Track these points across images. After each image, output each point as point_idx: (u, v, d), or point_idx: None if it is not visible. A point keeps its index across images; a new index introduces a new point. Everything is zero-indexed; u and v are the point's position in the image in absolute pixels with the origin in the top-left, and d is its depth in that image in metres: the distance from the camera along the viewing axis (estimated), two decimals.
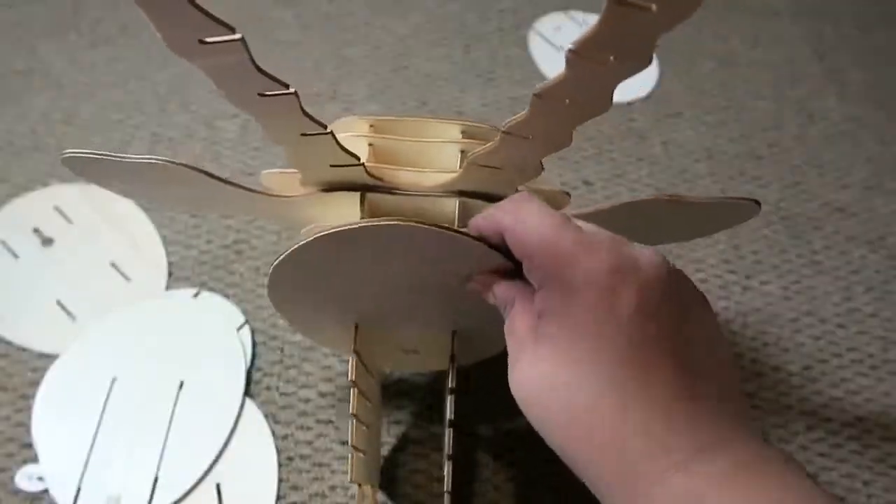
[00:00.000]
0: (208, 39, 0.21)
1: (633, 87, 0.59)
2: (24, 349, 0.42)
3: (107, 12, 0.60)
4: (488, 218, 0.26)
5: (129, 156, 0.30)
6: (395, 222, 0.26)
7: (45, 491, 0.37)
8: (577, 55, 0.20)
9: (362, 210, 0.31)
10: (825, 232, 0.52)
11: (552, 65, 0.59)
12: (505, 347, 0.26)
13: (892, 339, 0.47)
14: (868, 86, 0.61)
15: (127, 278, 0.45)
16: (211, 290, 0.45)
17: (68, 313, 0.44)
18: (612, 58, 0.20)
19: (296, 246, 0.28)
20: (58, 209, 0.48)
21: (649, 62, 0.20)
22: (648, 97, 0.58)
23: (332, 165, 0.29)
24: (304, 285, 0.31)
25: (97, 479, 0.38)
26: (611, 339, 0.22)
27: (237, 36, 0.20)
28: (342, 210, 0.32)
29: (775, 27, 0.65)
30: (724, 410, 0.23)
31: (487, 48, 0.61)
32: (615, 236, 0.25)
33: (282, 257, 0.29)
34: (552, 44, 0.61)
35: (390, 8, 0.63)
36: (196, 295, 0.45)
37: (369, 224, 0.27)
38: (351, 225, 0.27)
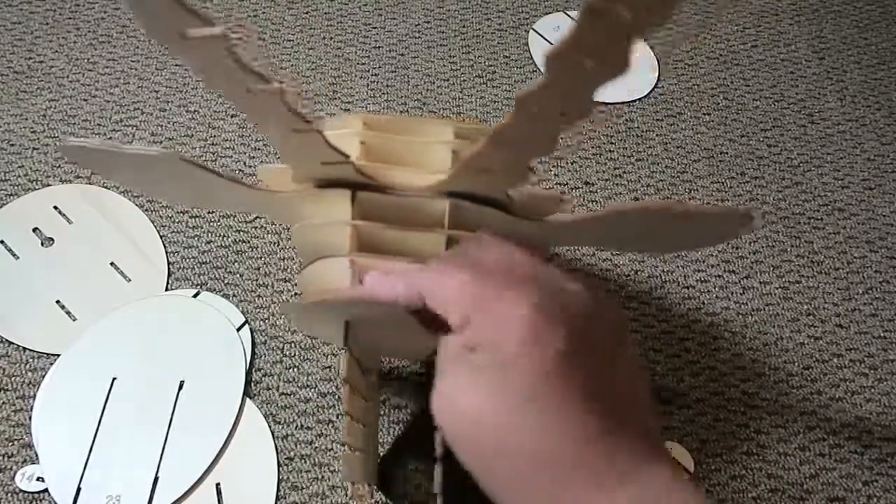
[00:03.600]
0: (190, 34, 0.20)
1: (633, 87, 0.59)
2: (24, 349, 0.42)
3: (107, 12, 0.60)
4: (398, 283, 0.28)
5: (128, 146, 0.30)
6: (324, 300, 0.30)
7: (45, 491, 0.37)
8: (555, 61, 0.20)
9: (353, 209, 0.31)
10: (825, 232, 0.52)
11: None
12: None
13: (892, 339, 0.47)
14: (868, 86, 0.61)
15: (127, 278, 0.45)
16: (211, 290, 0.45)
17: (68, 313, 0.44)
18: (589, 63, 0.20)
19: (284, 306, 0.33)
20: (58, 209, 0.48)
21: (627, 67, 0.20)
22: (648, 97, 0.58)
23: (323, 163, 0.29)
24: (307, 322, 0.34)
25: (97, 479, 0.38)
26: (531, 372, 0.23)
27: (218, 31, 0.20)
28: (334, 207, 0.32)
29: (775, 27, 0.65)
30: (635, 440, 0.24)
31: (487, 48, 0.61)
32: (540, 273, 0.26)
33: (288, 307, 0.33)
34: (552, 44, 0.61)
35: (390, 8, 0.63)
36: (196, 295, 0.45)
37: (318, 302, 0.30)
38: (312, 301, 0.31)
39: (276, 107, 0.24)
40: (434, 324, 0.27)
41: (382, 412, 0.41)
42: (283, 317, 0.44)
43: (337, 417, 0.41)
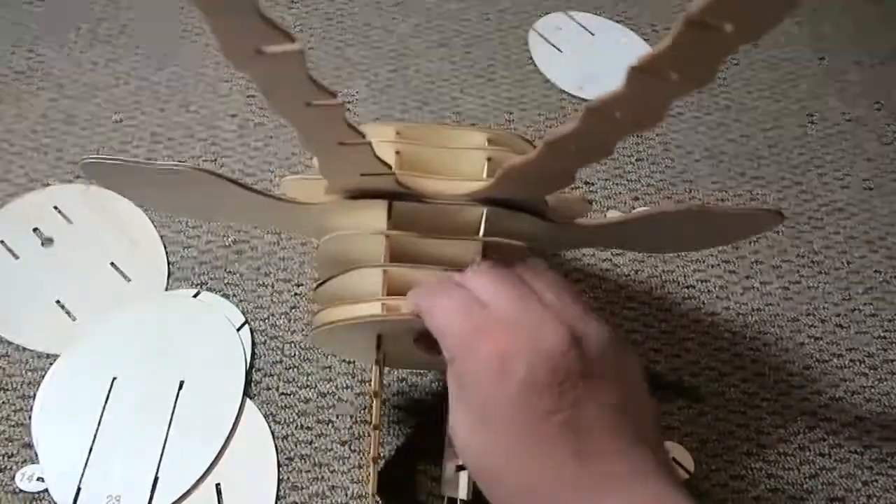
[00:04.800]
0: (268, 50, 0.20)
1: None
2: (24, 349, 0.42)
3: (107, 12, 0.60)
4: (412, 301, 0.30)
5: (152, 162, 0.29)
6: (368, 319, 0.30)
7: (45, 491, 0.37)
8: (640, 72, 0.20)
9: (389, 219, 0.31)
10: (825, 232, 0.52)
11: (552, 65, 0.59)
12: None
13: (892, 339, 0.47)
14: (868, 86, 0.61)
15: (127, 278, 0.45)
16: (211, 290, 0.45)
17: (68, 313, 0.44)
18: (675, 75, 0.20)
19: (312, 333, 0.33)
20: (58, 209, 0.48)
21: (712, 80, 0.20)
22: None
23: (362, 174, 0.29)
24: (331, 340, 0.35)
25: (97, 479, 0.38)
26: (507, 413, 0.25)
27: (297, 47, 0.20)
28: (368, 218, 0.31)
29: (775, 27, 0.65)
30: (619, 463, 0.25)
31: (487, 48, 0.61)
32: (522, 314, 0.27)
33: (312, 333, 0.34)
34: (552, 44, 0.61)
35: (390, 8, 0.63)
36: (196, 295, 0.45)
37: (345, 322, 0.31)
38: (332, 324, 0.31)
39: (335, 121, 0.24)
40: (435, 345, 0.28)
41: (384, 414, 0.41)
42: (284, 319, 0.44)
43: (337, 417, 0.41)
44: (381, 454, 0.40)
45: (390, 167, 0.29)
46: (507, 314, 0.27)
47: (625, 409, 0.26)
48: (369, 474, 0.34)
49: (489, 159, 0.32)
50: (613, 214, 0.49)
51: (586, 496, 0.24)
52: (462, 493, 0.32)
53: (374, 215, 0.31)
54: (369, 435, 0.35)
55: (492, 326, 0.26)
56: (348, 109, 0.55)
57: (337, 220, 0.32)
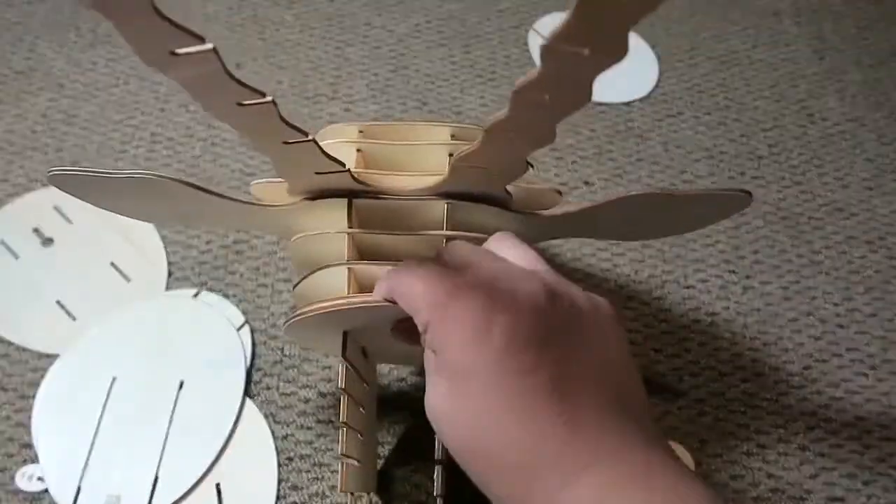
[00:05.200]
0: (179, 51, 0.20)
1: (633, 87, 0.59)
2: (24, 349, 0.42)
3: None
4: (379, 285, 0.28)
5: (115, 171, 0.29)
6: (332, 307, 0.29)
7: (45, 491, 0.37)
8: (552, 49, 0.20)
9: (349, 217, 0.31)
10: (825, 232, 0.52)
11: None
12: None
13: (892, 339, 0.47)
14: (868, 86, 0.61)
15: (127, 278, 0.45)
16: (211, 290, 0.45)
17: (68, 313, 0.44)
18: (586, 50, 0.20)
19: (285, 323, 0.32)
20: (58, 209, 0.48)
21: (625, 53, 0.20)
22: (648, 97, 0.58)
23: (317, 173, 0.29)
24: (303, 333, 0.34)
25: (97, 479, 0.38)
26: (487, 373, 0.24)
27: (208, 46, 0.20)
28: (330, 217, 0.31)
29: (775, 27, 0.65)
30: (606, 428, 0.24)
31: (487, 48, 0.61)
32: (497, 273, 0.26)
33: (286, 324, 0.32)
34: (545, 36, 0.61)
35: (390, 8, 0.63)
36: (196, 295, 0.45)
37: (315, 312, 0.30)
38: (305, 313, 0.30)
39: (270, 119, 0.24)
40: (413, 329, 0.27)
41: (381, 413, 0.41)
42: (284, 319, 0.44)
43: (337, 417, 0.41)
44: (381, 454, 0.40)
45: (343, 164, 0.28)
46: (480, 276, 0.26)
47: (610, 372, 0.25)
48: (344, 472, 0.34)
49: (451, 154, 0.32)
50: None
51: (580, 462, 0.23)
52: (437, 488, 0.31)
53: (336, 214, 0.31)
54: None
55: (465, 288, 0.25)
56: (347, 109, 0.55)
57: (302, 221, 0.32)
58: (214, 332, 0.43)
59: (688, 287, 0.48)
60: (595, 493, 0.22)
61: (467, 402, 0.24)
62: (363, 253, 0.32)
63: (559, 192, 0.35)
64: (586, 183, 0.53)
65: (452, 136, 0.33)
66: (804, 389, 0.45)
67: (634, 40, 0.62)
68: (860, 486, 0.41)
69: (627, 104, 0.57)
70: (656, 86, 0.59)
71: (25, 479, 0.38)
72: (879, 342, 0.47)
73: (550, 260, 0.48)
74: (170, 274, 0.46)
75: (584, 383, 0.24)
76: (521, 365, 0.24)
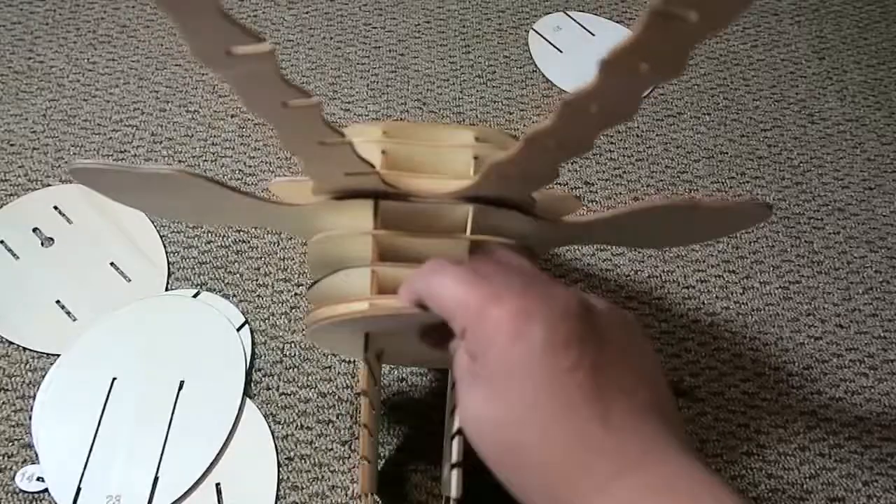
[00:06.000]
0: (237, 51, 0.20)
1: None
2: (24, 349, 0.42)
3: (107, 12, 0.60)
4: (407, 289, 0.29)
5: (140, 166, 0.29)
6: (364, 313, 0.30)
7: (45, 491, 0.37)
8: (611, 65, 0.20)
9: (375, 218, 0.31)
10: (825, 232, 0.52)
11: (552, 65, 0.59)
12: None
13: (892, 339, 0.47)
14: (868, 86, 0.61)
15: (127, 278, 0.45)
16: (211, 290, 0.45)
17: (68, 313, 0.44)
18: (645, 66, 0.20)
19: (307, 330, 0.33)
20: (58, 209, 0.48)
21: (683, 70, 0.20)
22: (648, 97, 0.58)
23: (346, 174, 0.29)
24: (324, 335, 0.34)
25: (97, 479, 0.38)
26: (529, 370, 0.24)
27: (266, 47, 0.20)
28: (355, 218, 0.31)
29: (775, 27, 0.65)
30: (643, 432, 0.24)
31: (487, 48, 0.61)
32: (530, 279, 0.27)
33: (307, 331, 0.33)
34: (552, 44, 0.61)
35: (390, 8, 0.63)
36: (196, 295, 0.45)
37: (347, 316, 0.30)
38: (336, 316, 0.30)
39: (312, 121, 0.24)
40: (444, 333, 0.28)
41: (381, 413, 0.41)
42: (284, 319, 0.44)
43: (337, 417, 0.41)
44: (381, 454, 0.40)
45: (373, 166, 0.28)
46: (513, 282, 0.26)
47: (643, 379, 0.25)
48: (363, 473, 0.34)
49: (476, 157, 0.32)
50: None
51: (616, 465, 0.23)
52: (454, 491, 0.32)
53: (361, 215, 0.31)
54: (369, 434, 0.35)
55: (502, 292, 0.25)
56: (347, 109, 0.55)
57: (324, 221, 0.32)
58: (214, 332, 0.43)
59: (688, 287, 0.48)
60: (631, 496, 0.23)
61: (509, 399, 0.24)
62: (387, 254, 0.31)
63: (579, 199, 0.35)
64: (587, 183, 0.53)
65: (476, 139, 0.33)
66: (804, 389, 0.45)
67: None
68: (860, 486, 0.41)
69: None
70: (656, 86, 0.59)
71: (25, 479, 0.38)
72: (879, 342, 0.47)
73: (550, 259, 0.48)
74: (170, 274, 0.46)
75: (620, 388, 0.24)
76: (562, 362, 0.24)
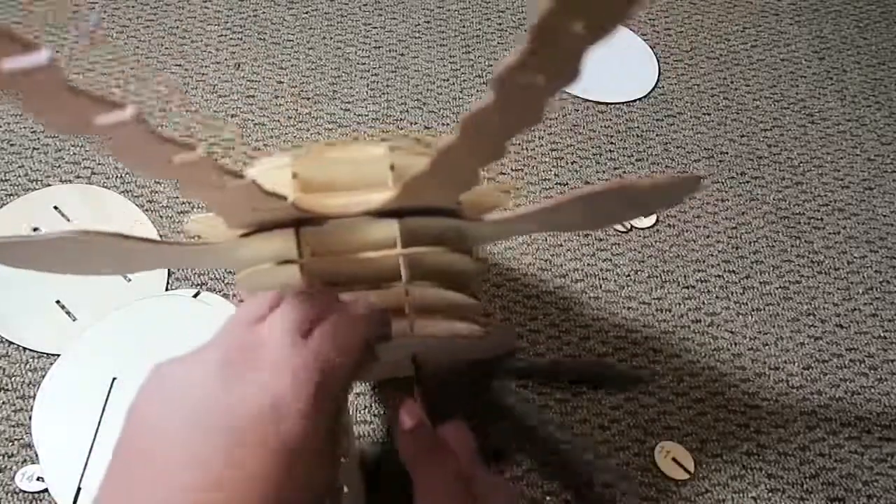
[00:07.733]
0: (99, 122, 0.19)
1: (633, 87, 0.59)
2: (24, 349, 0.42)
3: (107, 12, 0.60)
4: (401, 450, 0.30)
5: (39, 234, 0.28)
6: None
7: (45, 491, 0.37)
8: (504, 81, 0.19)
9: (299, 247, 0.30)
10: (825, 232, 0.52)
11: None
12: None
13: (892, 339, 0.47)
14: (868, 86, 0.61)
15: (127, 278, 0.45)
16: (211, 290, 0.45)
17: (68, 313, 0.44)
18: (541, 79, 0.20)
19: None
20: (58, 209, 0.48)
21: (578, 76, 0.20)
22: (648, 97, 0.58)
23: (254, 209, 0.28)
24: None
25: (97, 479, 0.38)
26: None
27: (127, 114, 0.19)
28: (279, 248, 0.30)
29: (775, 27, 0.65)
30: None
31: (487, 48, 0.61)
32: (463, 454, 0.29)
33: None
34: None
35: (390, 8, 0.63)
36: (196, 295, 0.45)
37: None
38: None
39: (204, 171, 0.23)
40: None
41: (378, 413, 0.41)
42: None
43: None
44: (378, 454, 0.40)
45: (284, 197, 0.27)
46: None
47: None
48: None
49: (392, 166, 0.31)
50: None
51: None
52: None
53: (284, 245, 0.30)
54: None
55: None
56: (347, 109, 0.55)
57: (249, 254, 0.31)
58: (214, 333, 0.43)
59: (688, 287, 0.48)
60: None
61: None
62: (323, 276, 0.30)
63: (507, 192, 0.35)
64: (586, 183, 0.53)
65: (390, 148, 0.32)
66: (804, 389, 0.45)
67: (634, 40, 0.62)
68: (860, 486, 0.41)
69: (627, 104, 0.57)
70: (656, 86, 0.59)
71: (25, 479, 0.38)
72: (879, 342, 0.47)
73: (550, 259, 0.48)
74: (170, 274, 0.46)
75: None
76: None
